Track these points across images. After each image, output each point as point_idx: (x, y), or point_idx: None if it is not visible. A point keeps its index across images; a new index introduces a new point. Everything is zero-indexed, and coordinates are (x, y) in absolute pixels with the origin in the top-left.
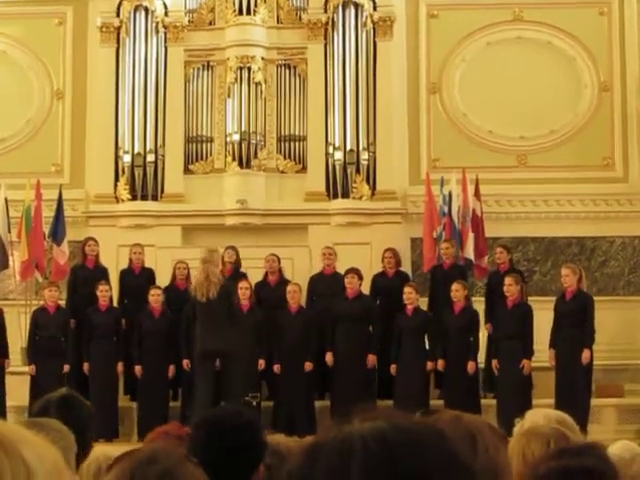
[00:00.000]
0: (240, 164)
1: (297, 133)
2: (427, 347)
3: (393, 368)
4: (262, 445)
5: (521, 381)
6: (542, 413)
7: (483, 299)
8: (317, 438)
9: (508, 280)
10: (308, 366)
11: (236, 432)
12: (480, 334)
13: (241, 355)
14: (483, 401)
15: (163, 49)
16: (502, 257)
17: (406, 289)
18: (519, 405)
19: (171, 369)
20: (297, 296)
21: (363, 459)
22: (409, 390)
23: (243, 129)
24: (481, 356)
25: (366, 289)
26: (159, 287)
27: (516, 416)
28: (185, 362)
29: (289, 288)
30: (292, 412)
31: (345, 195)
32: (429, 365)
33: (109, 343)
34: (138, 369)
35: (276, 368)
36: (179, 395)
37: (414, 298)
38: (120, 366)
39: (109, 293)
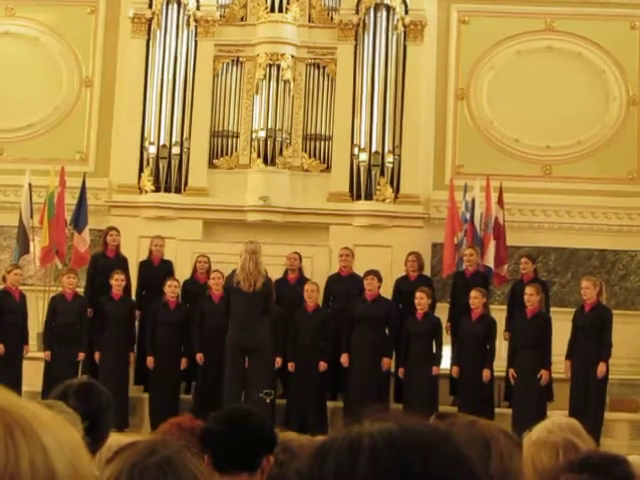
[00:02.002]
0: (265, 161)
1: (323, 132)
2: (434, 352)
3: (401, 372)
4: (272, 433)
5: (538, 391)
6: (553, 420)
7: (501, 307)
8: (327, 438)
9: (529, 290)
10: (322, 366)
11: (247, 419)
12: (498, 342)
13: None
14: (498, 410)
15: (193, 43)
16: (527, 267)
17: (417, 294)
18: (534, 415)
19: (183, 361)
20: (314, 295)
21: (371, 458)
22: (416, 394)
23: (269, 126)
24: (502, 365)
25: (385, 291)
26: (176, 279)
27: (531, 426)
28: (199, 356)
29: (307, 287)
30: (303, 411)
31: (368, 197)
32: (434, 370)
33: (121, 332)
34: (150, 360)
35: (290, 366)
36: (192, 388)
37: (425, 303)
38: (132, 356)
39: (123, 283)
